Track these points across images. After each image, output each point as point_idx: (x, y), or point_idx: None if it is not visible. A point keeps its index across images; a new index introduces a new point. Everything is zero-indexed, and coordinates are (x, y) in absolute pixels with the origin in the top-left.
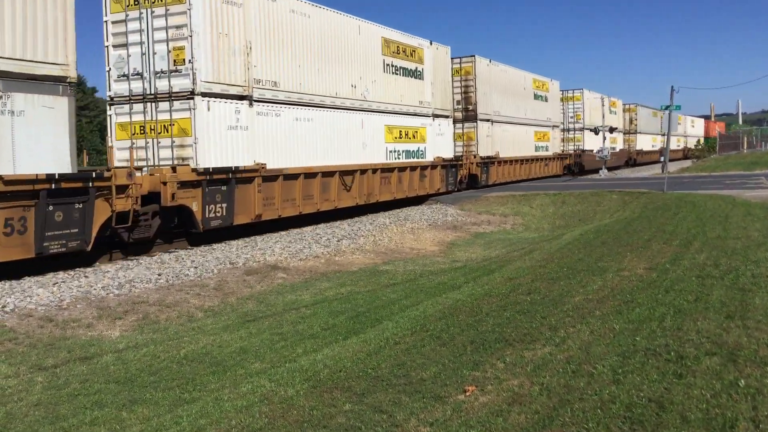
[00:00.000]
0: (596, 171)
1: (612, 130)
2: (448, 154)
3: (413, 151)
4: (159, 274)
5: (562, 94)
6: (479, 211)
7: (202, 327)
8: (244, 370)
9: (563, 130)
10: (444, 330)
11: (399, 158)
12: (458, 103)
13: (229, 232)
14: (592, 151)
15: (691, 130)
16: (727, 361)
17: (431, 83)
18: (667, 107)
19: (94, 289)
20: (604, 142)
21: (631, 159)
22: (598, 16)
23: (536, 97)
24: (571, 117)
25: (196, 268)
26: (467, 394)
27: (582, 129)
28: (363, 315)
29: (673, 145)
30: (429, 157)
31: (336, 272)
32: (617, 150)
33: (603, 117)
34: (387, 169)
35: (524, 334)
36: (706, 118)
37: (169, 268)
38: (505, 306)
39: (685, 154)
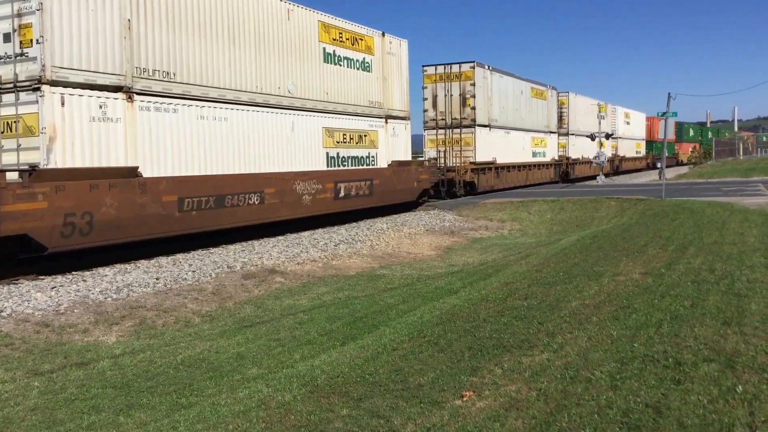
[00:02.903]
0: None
1: (609, 136)
2: (555, 156)
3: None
4: (157, 278)
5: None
6: (477, 216)
7: (199, 332)
8: (241, 376)
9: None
10: (441, 336)
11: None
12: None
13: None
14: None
15: (625, 129)
16: (725, 367)
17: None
18: (663, 114)
19: (92, 294)
20: (600, 147)
21: (459, 182)
22: (593, 22)
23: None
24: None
25: (194, 272)
26: (464, 399)
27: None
28: (360, 320)
29: (590, 154)
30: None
31: (333, 276)
32: (397, 167)
33: (388, 92)
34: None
35: (522, 340)
36: (701, 124)
37: (167, 272)
38: (502, 311)
39: (616, 166)
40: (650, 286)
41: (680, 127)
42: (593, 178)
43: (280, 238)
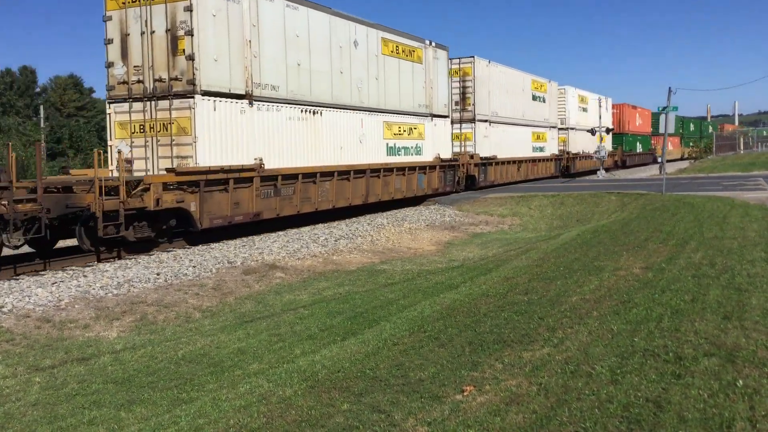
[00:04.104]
0: None
1: (609, 130)
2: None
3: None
4: (158, 274)
5: None
6: (477, 211)
7: (199, 328)
8: (242, 371)
9: None
10: (442, 331)
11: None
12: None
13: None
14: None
15: (580, 117)
16: (726, 361)
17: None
18: (664, 109)
19: (93, 289)
20: (601, 141)
21: (102, 218)
22: (594, 16)
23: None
24: None
25: (194, 267)
26: (465, 394)
27: None
28: (361, 315)
29: (520, 150)
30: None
31: (334, 272)
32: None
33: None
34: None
35: (522, 335)
36: (702, 118)
37: (168, 267)
38: (502, 306)
39: (564, 167)
40: (651, 280)
41: (657, 118)
42: (517, 183)
43: (280, 233)
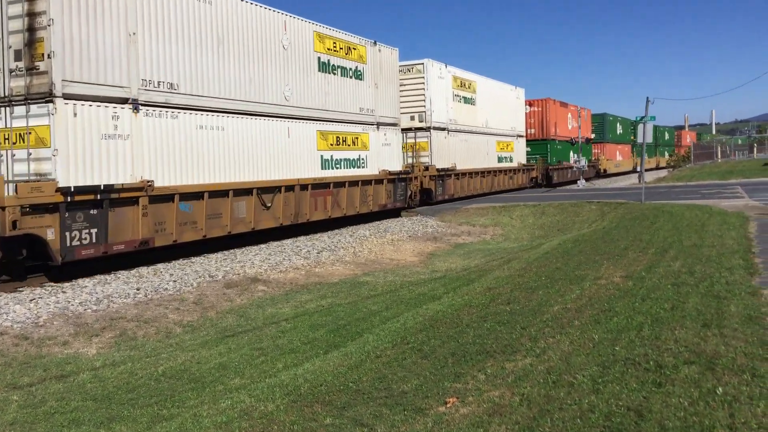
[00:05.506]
0: None
1: (589, 141)
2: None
3: None
4: (138, 289)
5: None
6: (459, 222)
7: (180, 343)
8: (224, 386)
9: None
10: (425, 342)
11: None
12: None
13: None
14: None
15: (458, 111)
16: (706, 369)
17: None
18: (642, 119)
19: (72, 305)
20: (580, 152)
21: None
22: (570, 25)
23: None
24: None
25: (175, 281)
26: (448, 405)
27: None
28: (344, 328)
29: (284, 167)
30: None
31: (316, 284)
32: None
33: None
34: None
35: (505, 345)
36: (679, 128)
37: (148, 282)
38: (485, 317)
39: (416, 191)
40: (631, 289)
41: (602, 121)
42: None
43: (262, 246)
